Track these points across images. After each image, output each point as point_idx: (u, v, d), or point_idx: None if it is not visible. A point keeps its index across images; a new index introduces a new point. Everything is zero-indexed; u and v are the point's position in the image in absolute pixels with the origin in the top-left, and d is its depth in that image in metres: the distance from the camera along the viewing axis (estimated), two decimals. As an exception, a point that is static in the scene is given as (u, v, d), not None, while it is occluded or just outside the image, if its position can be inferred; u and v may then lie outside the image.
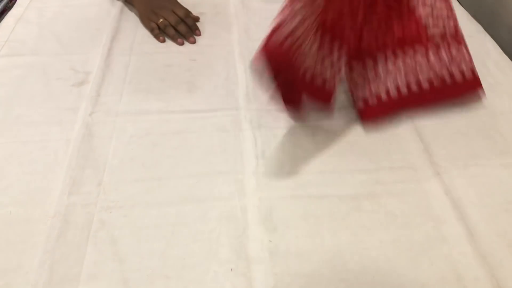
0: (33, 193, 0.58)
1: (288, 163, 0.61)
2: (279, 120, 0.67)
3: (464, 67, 0.63)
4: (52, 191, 0.58)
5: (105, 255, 0.51)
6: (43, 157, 0.62)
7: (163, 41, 0.84)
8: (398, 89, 0.62)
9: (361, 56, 0.62)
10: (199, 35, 0.86)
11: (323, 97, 0.60)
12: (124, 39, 0.85)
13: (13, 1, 1.17)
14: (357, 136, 0.65)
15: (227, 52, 0.82)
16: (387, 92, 0.63)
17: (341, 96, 0.71)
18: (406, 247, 0.52)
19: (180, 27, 0.84)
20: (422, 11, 0.59)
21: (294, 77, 0.54)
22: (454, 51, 0.62)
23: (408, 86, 0.62)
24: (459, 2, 0.95)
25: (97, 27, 0.88)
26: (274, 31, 0.51)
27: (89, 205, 0.56)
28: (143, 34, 0.86)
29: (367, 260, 0.51)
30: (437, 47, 0.61)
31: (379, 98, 0.63)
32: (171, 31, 0.84)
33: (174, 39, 0.84)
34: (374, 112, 0.64)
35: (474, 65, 0.63)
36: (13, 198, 0.57)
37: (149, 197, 0.57)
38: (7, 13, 0.95)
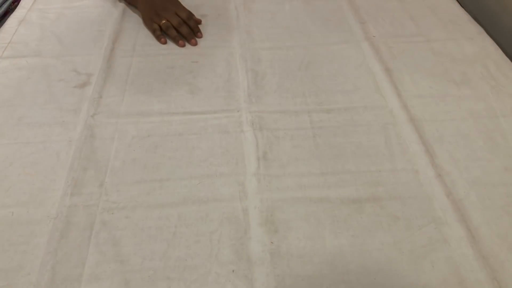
0: (35, 194, 0.58)
1: (290, 165, 0.61)
2: (281, 122, 0.67)
3: None
4: (54, 192, 0.58)
5: (107, 256, 0.51)
6: (45, 158, 0.62)
7: (165, 42, 0.84)
8: None
9: None
10: (201, 37, 0.86)
11: None
12: (126, 40, 0.85)
13: (15, 3, 1.18)
14: (359, 137, 0.65)
15: (228, 54, 0.82)
16: None
17: (342, 97, 0.72)
18: (407, 249, 0.52)
19: (182, 29, 0.84)
20: None
21: None
22: None
23: None
24: (460, 4, 0.95)
25: (99, 29, 0.88)
26: None
27: (91, 206, 0.56)
28: (145, 35, 0.87)
29: (369, 262, 0.51)
30: None
31: None
32: (173, 32, 0.84)
33: (175, 41, 0.84)
34: None
35: None
36: (15, 199, 0.57)
37: (150, 198, 0.57)
38: (9, 15, 0.96)
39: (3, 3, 1.14)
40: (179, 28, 0.84)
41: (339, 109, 0.70)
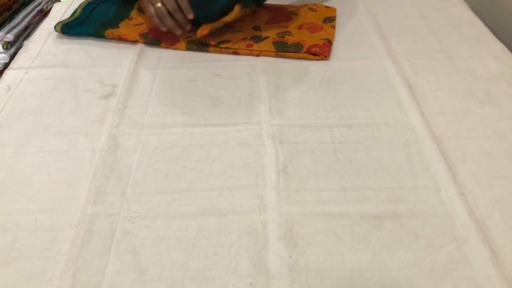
0: (59, 201, 0.59)
1: (310, 179, 0.61)
2: (301, 136, 0.68)
3: None
4: (77, 200, 0.59)
5: (127, 264, 0.52)
6: (69, 167, 0.64)
7: (166, 29, 0.86)
8: None
9: None
10: (192, 18, 0.85)
11: None
12: (151, 53, 0.87)
13: (36, 18, 1.22)
14: (380, 153, 0.65)
15: (250, 67, 0.83)
16: None
17: (363, 113, 0.71)
18: (428, 267, 0.51)
19: (177, 16, 0.85)
20: None
21: None
22: None
23: None
24: (484, 23, 0.94)
25: (124, 41, 0.90)
26: None
27: (112, 215, 0.57)
28: (169, 49, 0.88)
29: (388, 279, 0.50)
30: None
31: None
32: (170, 22, 0.85)
33: (174, 30, 0.86)
34: None
35: None
36: (39, 206, 0.58)
37: (171, 208, 0.58)
38: (32, 28, 0.98)
39: (24, 18, 1.19)
40: (174, 14, 0.85)
41: (360, 125, 0.70)
